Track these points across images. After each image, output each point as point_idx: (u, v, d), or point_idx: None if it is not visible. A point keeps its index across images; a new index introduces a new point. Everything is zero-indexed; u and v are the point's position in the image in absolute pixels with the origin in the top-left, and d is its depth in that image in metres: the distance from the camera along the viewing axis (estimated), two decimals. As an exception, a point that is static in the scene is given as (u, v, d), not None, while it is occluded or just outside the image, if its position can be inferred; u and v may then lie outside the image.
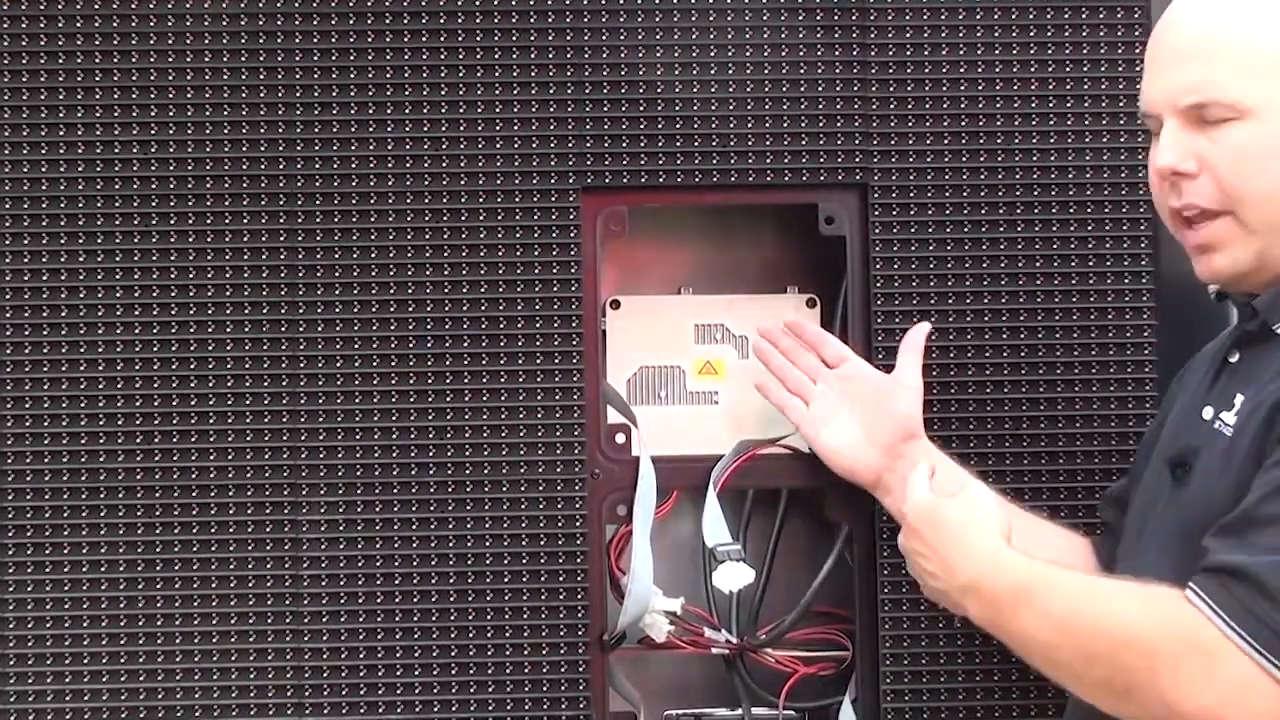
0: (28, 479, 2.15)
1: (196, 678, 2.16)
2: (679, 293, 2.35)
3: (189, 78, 2.19)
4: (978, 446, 2.22)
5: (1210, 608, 1.58)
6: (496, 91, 2.21)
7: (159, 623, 2.15)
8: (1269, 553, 1.57)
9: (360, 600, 2.16)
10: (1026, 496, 2.21)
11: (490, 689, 2.17)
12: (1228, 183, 1.73)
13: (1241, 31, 1.72)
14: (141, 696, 2.15)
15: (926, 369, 2.21)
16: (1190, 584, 1.62)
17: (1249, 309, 1.79)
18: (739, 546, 2.24)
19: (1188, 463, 1.77)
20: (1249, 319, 1.79)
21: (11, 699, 2.14)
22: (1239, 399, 1.71)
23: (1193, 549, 1.68)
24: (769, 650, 2.27)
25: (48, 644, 2.15)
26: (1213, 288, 1.89)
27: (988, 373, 2.23)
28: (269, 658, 2.16)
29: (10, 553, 2.15)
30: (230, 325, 2.18)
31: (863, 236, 2.25)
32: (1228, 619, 1.57)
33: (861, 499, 2.21)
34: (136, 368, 2.17)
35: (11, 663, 2.15)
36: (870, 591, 2.23)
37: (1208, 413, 1.77)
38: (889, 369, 2.20)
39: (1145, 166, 2.21)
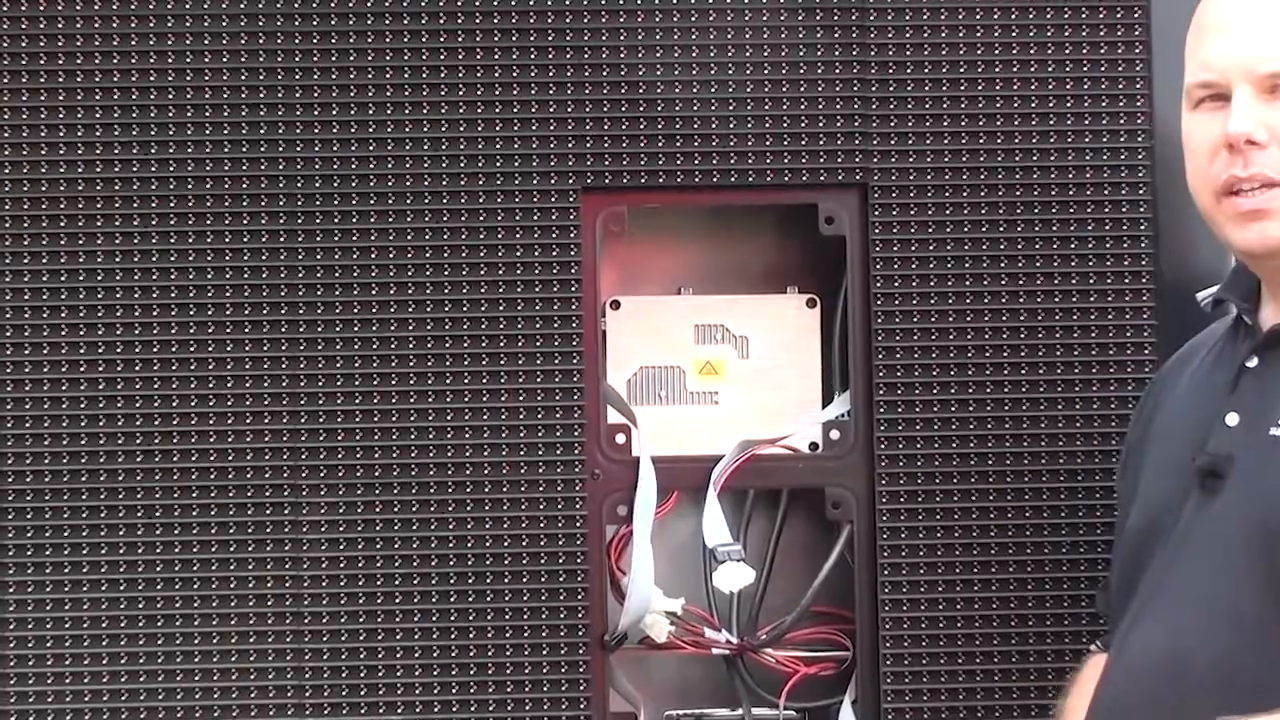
0: (29, 482, 2.15)
1: (197, 678, 2.15)
2: (679, 293, 2.35)
3: (189, 81, 2.19)
4: (978, 446, 2.22)
5: None
6: (496, 92, 2.21)
7: (160, 626, 2.15)
8: None
9: (361, 601, 2.17)
10: (1027, 497, 2.21)
11: (491, 689, 2.17)
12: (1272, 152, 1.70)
13: None
14: (142, 698, 2.15)
15: (925, 369, 2.22)
16: None
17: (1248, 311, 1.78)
18: (739, 547, 2.24)
19: (1219, 472, 1.72)
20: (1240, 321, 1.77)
21: (12, 700, 2.15)
22: None
23: (1269, 558, 1.65)
24: (769, 650, 2.27)
25: (48, 646, 2.15)
26: (1204, 296, 1.88)
27: (988, 372, 2.23)
28: (269, 658, 2.16)
29: (12, 555, 2.15)
30: (230, 326, 2.18)
31: (863, 236, 2.25)
32: None
33: (862, 498, 2.22)
34: (137, 371, 2.17)
35: (12, 663, 2.15)
36: (871, 591, 2.23)
37: (1233, 419, 1.73)
38: (888, 369, 2.20)
39: (1145, 165, 2.23)
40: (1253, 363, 1.75)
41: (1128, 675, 1.76)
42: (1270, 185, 1.71)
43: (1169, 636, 1.73)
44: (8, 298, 2.17)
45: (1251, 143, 1.70)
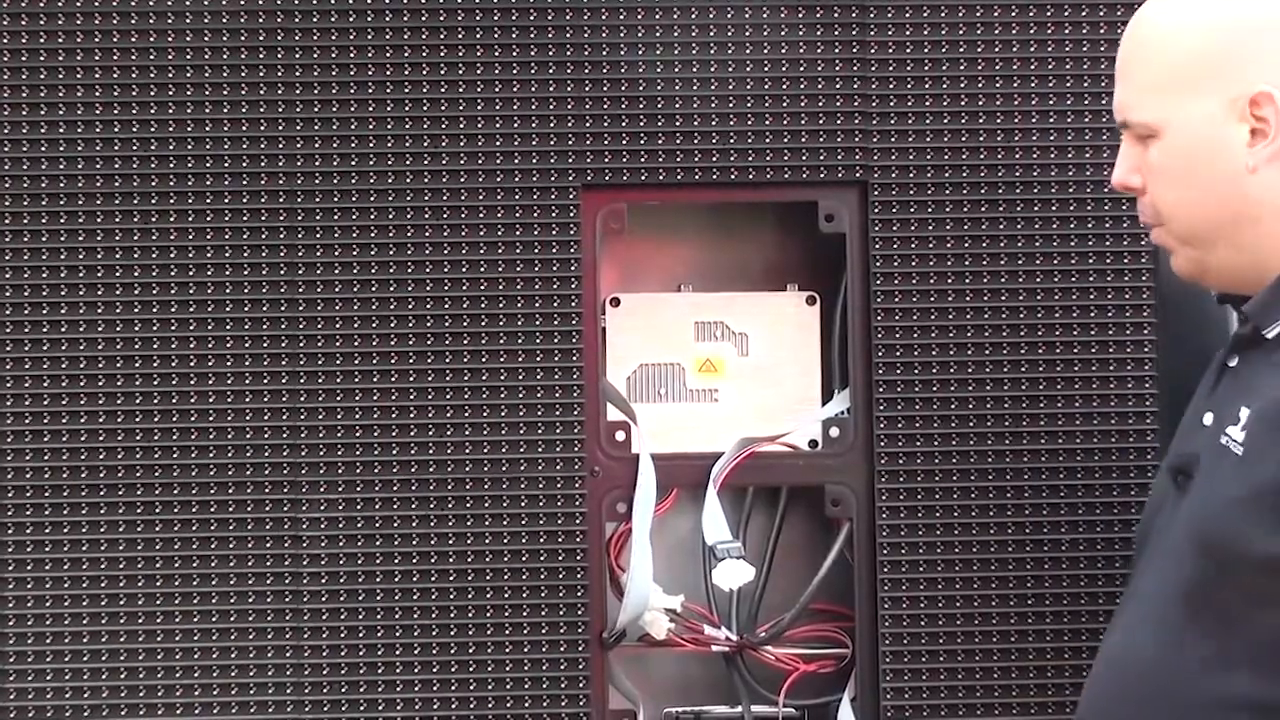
0: (27, 455, 2.16)
1: (196, 656, 2.16)
2: (679, 290, 2.35)
3: (189, 68, 2.19)
4: (977, 444, 2.22)
5: None
6: (496, 89, 2.21)
7: (158, 599, 2.16)
8: None
9: (360, 598, 2.17)
10: (1026, 494, 2.21)
11: (490, 686, 2.17)
12: (1152, 197, 1.76)
13: (1148, 51, 1.75)
14: (141, 675, 2.16)
15: (925, 367, 2.22)
16: None
17: (1241, 313, 1.78)
18: (739, 544, 2.24)
19: (1189, 470, 1.74)
20: (1243, 322, 1.78)
21: (11, 677, 2.15)
22: (1244, 412, 1.68)
23: (1201, 563, 1.67)
24: (769, 648, 2.28)
25: (47, 620, 2.15)
26: (1214, 290, 1.89)
27: (987, 370, 2.23)
28: (269, 655, 2.17)
29: (10, 530, 2.15)
30: (231, 323, 2.18)
31: (862, 234, 2.25)
32: None
33: (861, 495, 2.23)
34: (136, 345, 2.17)
35: (11, 641, 2.15)
36: (870, 589, 2.23)
37: (1208, 419, 1.74)
38: (888, 367, 2.21)
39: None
40: (1233, 362, 1.76)
41: (1095, 674, 1.79)
42: (1158, 224, 1.78)
43: (1121, 635, 1.77)
44: (7, 275, 2.17)
45: (1127, 187, 1.78)
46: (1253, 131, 1.68)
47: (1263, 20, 1.69)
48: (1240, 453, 1.66)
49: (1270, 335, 1.70)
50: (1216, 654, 1.64)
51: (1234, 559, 1.64)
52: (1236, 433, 1.67)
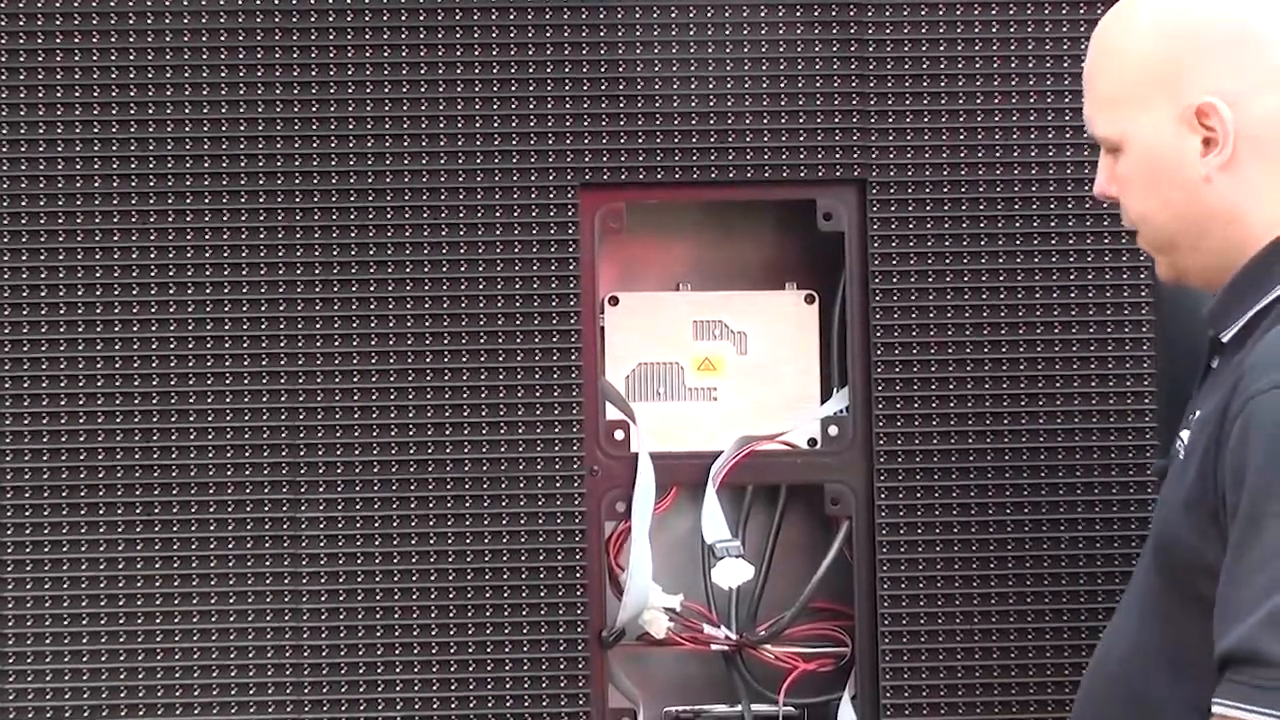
0: (25, 456, 2.16)
1: (195, 656, 2.16)
2: (678, 289, 2.35)
3: (187, 67, 2.19)
4: (976, 442, 2.22)
5: (1230, 706, 1.51)
6: (494, 88, 2.21)
7: (157, 600, 2.16)
8: (1243, 624, 1.52)
9: (359, 597, 2.17)
10: (1025, 492, 2.21)
11: (490, 685, 2.17)
12: (1124, 207, 1.77)
13: (1104, 65, 1.75)
14: (140, 676, 2.15)
15: (924, 365, 2.22)
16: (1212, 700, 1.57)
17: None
18: (738, 543, 2.24)
19: (1166, 472, 1.76)
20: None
21: (10, 677, 2.15)
22: (1197, 414, 1.69)
23: (1153, 565, 1.69)
24: (768, 646, 2.28)
25: (46, 620, 2.15)
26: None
27: (986, 368, 2.23)
28: (268, 655, 2.16)
29: (9, 530, 2.15)
30: (229, 323, 2.18)
31: (861, 232, 2.25)
32: (1244, 706, 1.50)
33: (860, 494, 2.23)
34: (134, 346, 2.17)
35: (11, 641, 2.15)
36: (869, 587, 2.23)
37: (1189, 420, 1.76)
38: (887, 365, 2.21)
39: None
40: (1215, 363, 1.76)
41: (1085, 673, 1.81)
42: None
43: (1103, 636, 1.80)
44: (5, 275, 2.17)
45: (1109, 197, 1.79)
46: (1205, 141, 1.68)
47: (1206, 30, 1.69)
48: (1181, 456, 1.68)
49: (1225, 339, 1.71)
50: (1169, 656, 1.66)
51: (1173, 562, 1.66)
52: (1186, 436, 1.69)
